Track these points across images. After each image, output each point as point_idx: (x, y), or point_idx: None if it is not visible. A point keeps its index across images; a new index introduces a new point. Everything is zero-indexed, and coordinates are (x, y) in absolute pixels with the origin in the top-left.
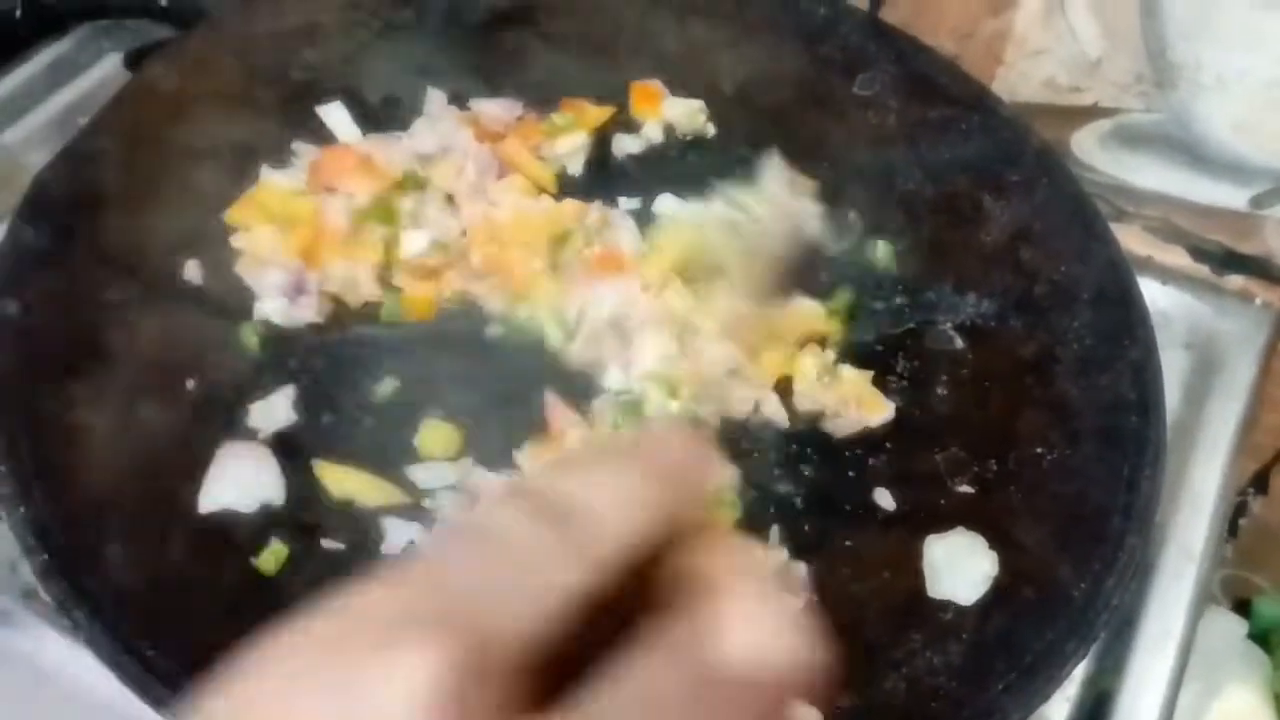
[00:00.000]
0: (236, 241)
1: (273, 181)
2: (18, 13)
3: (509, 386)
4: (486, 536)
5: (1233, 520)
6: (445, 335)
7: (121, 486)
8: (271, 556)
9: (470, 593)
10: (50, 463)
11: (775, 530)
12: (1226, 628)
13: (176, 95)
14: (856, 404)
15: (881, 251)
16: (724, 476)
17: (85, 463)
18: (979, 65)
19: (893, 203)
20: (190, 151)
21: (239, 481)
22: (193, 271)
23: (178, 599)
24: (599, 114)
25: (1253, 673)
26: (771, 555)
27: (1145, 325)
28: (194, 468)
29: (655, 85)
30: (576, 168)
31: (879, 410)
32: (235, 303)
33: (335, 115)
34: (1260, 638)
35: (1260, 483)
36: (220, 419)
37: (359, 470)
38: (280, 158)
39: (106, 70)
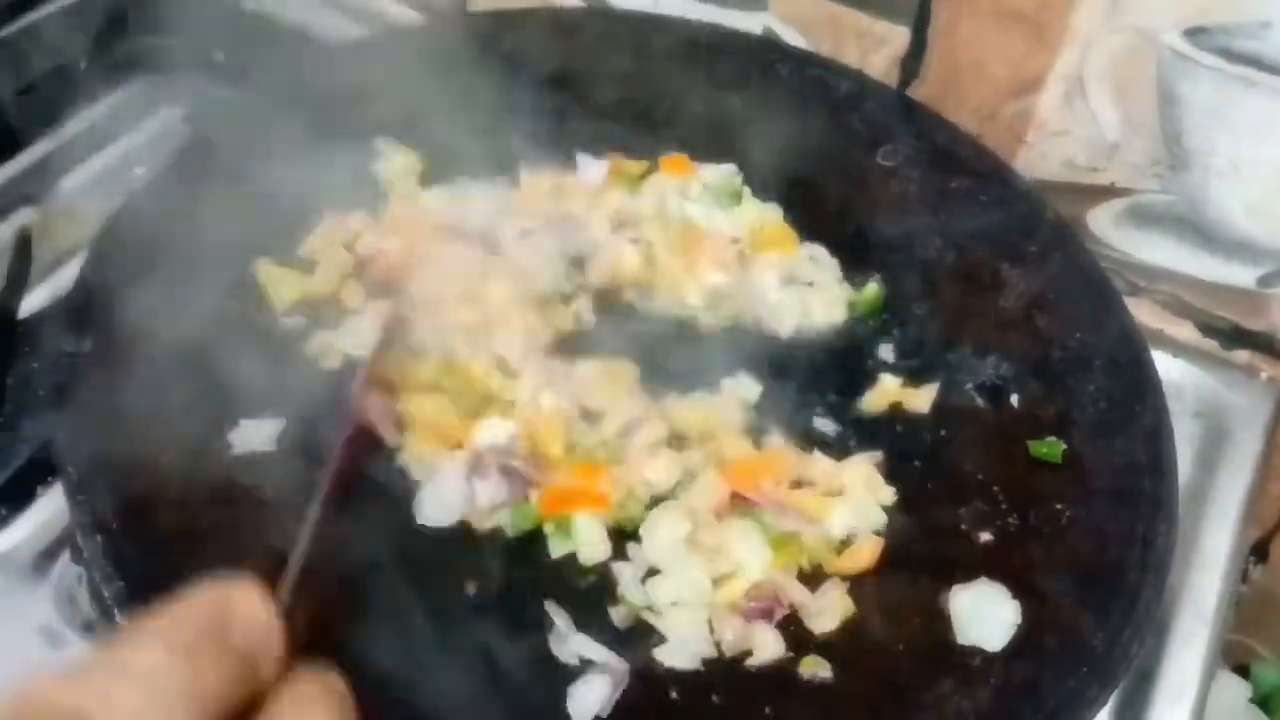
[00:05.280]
0: None
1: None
2: (83, 65)
3: None
4: None
5: None
6: None
7: (200, 516)
8: None
9: None
10: (125, 496)
11: None
12: (1230, 690)
13: (235, 148)
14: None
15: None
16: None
17: (162, 495)
18: (1001, 144)
19: (913, 268)
20: (251, 201)
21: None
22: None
23: None
24: (635, 168)
25: None
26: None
27: (1157, 392)
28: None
29: (683, 158)
30: None
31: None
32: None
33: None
34: (1260, 704)
35: (1260, 551)
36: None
37: None
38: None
39: (162, 122)
